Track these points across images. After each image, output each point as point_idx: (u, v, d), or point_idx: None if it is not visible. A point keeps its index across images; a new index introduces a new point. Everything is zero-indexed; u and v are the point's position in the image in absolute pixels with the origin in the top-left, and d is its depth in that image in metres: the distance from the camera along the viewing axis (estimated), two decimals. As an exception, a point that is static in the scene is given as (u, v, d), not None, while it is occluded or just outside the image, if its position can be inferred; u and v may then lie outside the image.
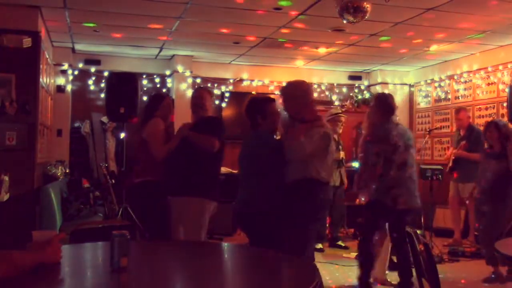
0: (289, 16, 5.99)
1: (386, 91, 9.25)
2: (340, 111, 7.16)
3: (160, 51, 8.10)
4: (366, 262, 4.66)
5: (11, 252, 1.90)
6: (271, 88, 9.17)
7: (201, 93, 4.62)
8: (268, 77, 9.11)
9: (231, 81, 8.96)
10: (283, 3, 5.51)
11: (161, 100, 4.71)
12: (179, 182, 4.19)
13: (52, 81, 7.51)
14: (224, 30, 6.74)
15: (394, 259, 5.01)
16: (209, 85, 8.80)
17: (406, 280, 4.53)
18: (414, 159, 4.67)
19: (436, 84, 8.82)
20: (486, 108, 7.67)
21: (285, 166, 3.74)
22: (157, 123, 4.49)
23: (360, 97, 9.35)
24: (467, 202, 6.78)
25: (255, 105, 3.97)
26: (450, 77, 8.45)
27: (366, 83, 9.69)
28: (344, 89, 9.49)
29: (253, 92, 8.96)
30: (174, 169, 4.28)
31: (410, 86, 9.52)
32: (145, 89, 8.27)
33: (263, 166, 3.74)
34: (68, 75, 7.92)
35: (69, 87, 7.96)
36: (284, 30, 6.64)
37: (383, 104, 4.70)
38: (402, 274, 4.57)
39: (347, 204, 7.14)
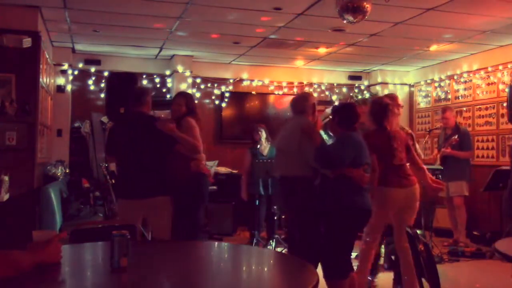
0: (289, 16, 6.00)
1: (386, 91, 9.28)
2: None
3: (160, 51, 8.09)
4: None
5: (11, 252, 1.90)
6: (271, 88, 9.17)
7: None
8: (268, 77, 9.10)
9: (231, 81, 8.95)
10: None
11: None
12: None
13: (52, 81, 7.51)
14: (224, 30, 6.74)
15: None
16: (209, 85, 8.81)
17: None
18: None
19: (436, 84, 8.82)
20: (486, 108, 7.66)
21: None
22: None
23: (360, 97, 9.34)
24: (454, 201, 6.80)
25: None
26: (450, 77, 8.45)
27: (366, 83, 9.69)
28: (344, 89, 9.49)
29: (253, 92, 8.97)
30: None
31: (410, 86, 9.52)
32: (145, 89, 8.29)
33: None
34: (68, 75, 7.91)
35: (69, 87, 7.96)
36: (284, 30, 6.64)
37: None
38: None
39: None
